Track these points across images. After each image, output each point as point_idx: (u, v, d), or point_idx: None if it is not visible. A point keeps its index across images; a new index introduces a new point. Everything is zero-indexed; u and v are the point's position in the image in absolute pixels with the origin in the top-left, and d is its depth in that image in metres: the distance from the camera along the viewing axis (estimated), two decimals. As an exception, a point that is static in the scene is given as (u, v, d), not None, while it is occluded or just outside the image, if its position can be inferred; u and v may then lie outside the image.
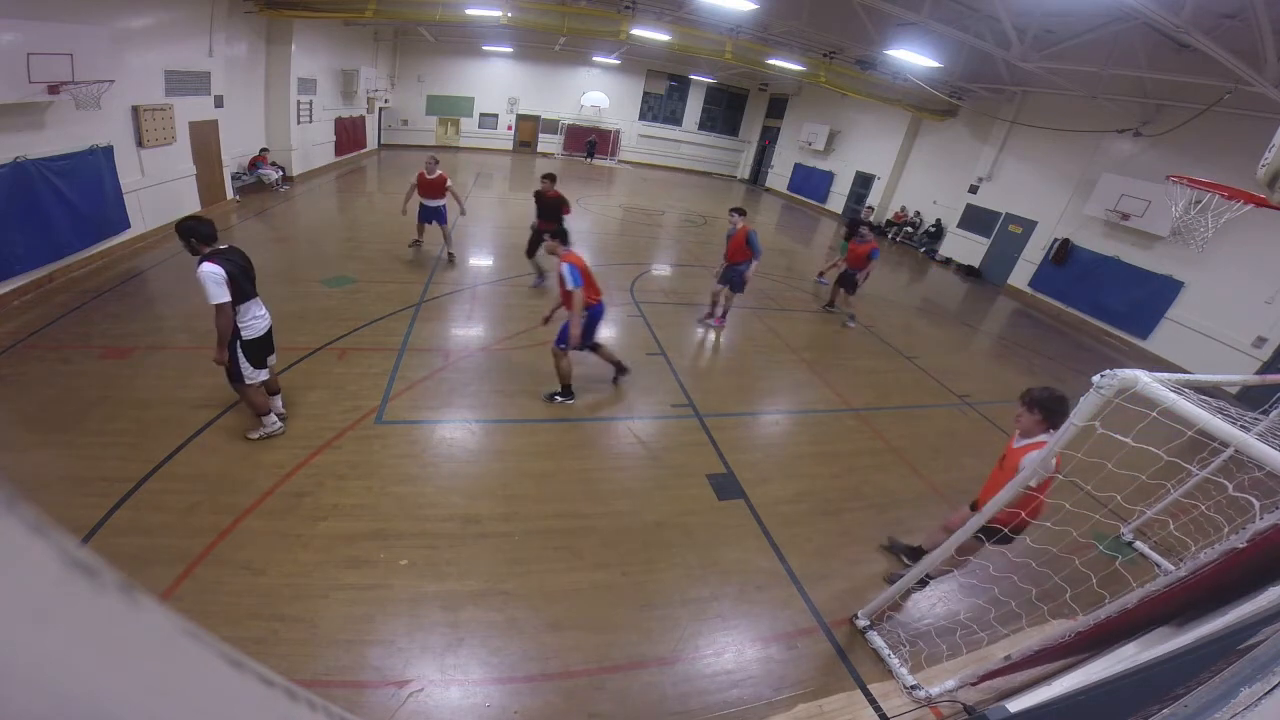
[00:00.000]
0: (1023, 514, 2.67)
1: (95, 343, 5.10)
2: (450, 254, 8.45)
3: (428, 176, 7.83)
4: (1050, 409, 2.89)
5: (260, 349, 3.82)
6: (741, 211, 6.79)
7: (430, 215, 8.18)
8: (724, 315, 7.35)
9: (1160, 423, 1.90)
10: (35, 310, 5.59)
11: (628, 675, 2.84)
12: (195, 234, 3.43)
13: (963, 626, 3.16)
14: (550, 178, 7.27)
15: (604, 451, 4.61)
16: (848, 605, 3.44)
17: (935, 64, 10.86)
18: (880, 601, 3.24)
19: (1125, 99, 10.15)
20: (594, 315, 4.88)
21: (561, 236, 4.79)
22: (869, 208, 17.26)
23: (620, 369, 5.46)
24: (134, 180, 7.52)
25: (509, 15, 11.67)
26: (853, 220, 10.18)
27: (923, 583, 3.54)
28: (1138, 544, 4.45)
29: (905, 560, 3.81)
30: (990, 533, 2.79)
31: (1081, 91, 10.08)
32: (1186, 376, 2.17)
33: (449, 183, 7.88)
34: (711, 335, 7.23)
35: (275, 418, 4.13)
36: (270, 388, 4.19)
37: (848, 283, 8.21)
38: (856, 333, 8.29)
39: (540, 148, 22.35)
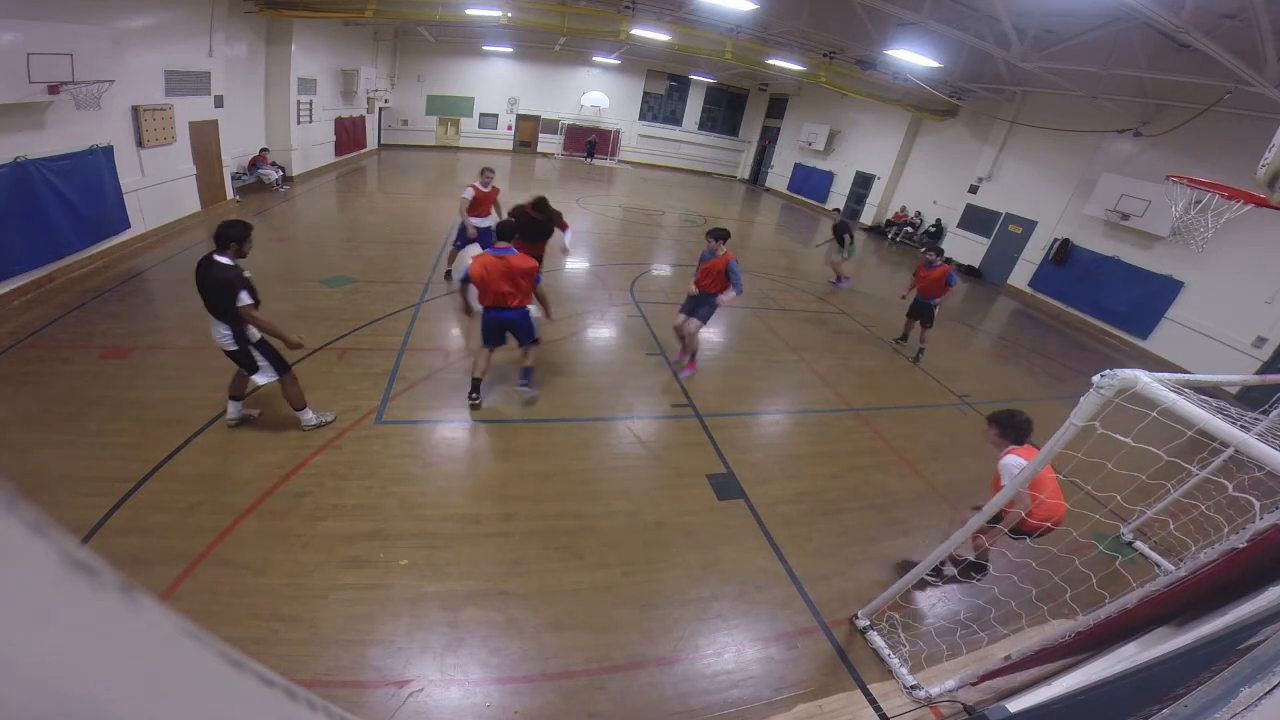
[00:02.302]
0: (1022, 513, 2.70)
1: (95, 343, 5.10)
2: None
3: (483, 190, 6.85)
4: (1004, 423, 3.31)
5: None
6: (723, 235, 5.37)
7: (486, 239, 6.87)
8: (692, 358, 6.03)
9: (1160, 423, 1.90)
10: (35, 310, 5.59)
11: (628, 675, 2.84)
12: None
13: (963, 626, 3.16)
14: (542, 202, 6.01)
15: (604, 451, 4.61)
16: (848, 605, 3.44)
17: (935, 64, 10.86)
18: (880, 601, 3.24)
19: (1125, 99, 10.15)
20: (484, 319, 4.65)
21: (506, 232, 4.43)
22: (913, 213, 15.98)
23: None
24: (134, 180, 7.51)
25: (509, 15, 11.67)
26: (840, 225, 9.68)
27: (938, 574, 3.51)
28: (1138, 544, 4.45)
29: (975, 577, 3.62)
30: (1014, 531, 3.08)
31: (1081, 91, 10.08)
32: (1186, 376, 2.17)
33: (498, 196, 6.98)
34: (712, 335, 7.11)
35: (236, 406, 4.14)
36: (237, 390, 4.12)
37: (923, 314, 7.29)
38: (856, 333, 8.28)
39: (540, 148, 22.33)
